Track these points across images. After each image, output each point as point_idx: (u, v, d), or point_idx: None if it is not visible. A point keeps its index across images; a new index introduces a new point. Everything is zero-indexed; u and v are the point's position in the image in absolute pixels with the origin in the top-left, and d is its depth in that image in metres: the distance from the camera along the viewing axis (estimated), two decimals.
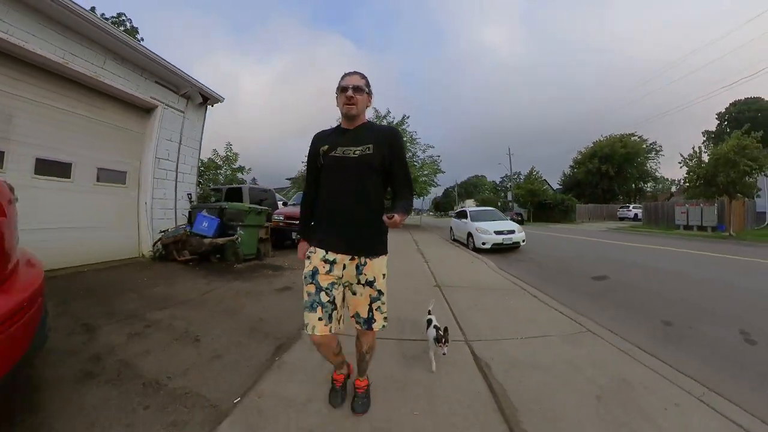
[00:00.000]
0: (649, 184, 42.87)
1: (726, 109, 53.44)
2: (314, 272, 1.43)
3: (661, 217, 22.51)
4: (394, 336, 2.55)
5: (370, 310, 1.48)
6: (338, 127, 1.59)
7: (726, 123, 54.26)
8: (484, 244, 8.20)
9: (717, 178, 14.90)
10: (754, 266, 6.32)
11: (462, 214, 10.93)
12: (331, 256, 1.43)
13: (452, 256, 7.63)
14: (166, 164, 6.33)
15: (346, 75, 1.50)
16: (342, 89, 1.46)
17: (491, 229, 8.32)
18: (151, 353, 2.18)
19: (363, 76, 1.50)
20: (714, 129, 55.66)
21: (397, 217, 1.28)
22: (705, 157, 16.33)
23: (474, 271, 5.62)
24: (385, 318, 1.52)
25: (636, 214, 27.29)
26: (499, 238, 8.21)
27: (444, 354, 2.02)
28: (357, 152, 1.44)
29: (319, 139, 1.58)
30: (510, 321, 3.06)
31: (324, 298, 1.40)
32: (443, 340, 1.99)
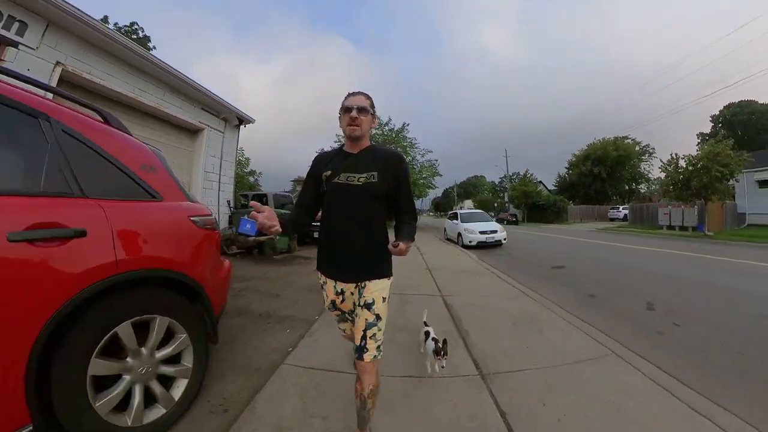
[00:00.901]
0: (642, 185, 44.15)
1: (720, 111, 54.11)
2: (333, 304, 1.51)
3: (646, 217, 23.94)
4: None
5: (364, 337, 1.39)
6: (341, 149, 1.54)
7: (720, 125, 55.43)
8: (470, 241, 9.81)
9: (691, 182, 16.28)
10: (698, 260, 7.60)
11: (454, 216, 12.58)
12: (339, 286, 1.46)
13: (443, 250, 9.15)
14: (211, 176, 7.83)
15: (350, 95, 1.47)
16: (346, 110, 1.43)
17: (477, 229, 9.92)
18: (253, 303, 3.66)
19: (368, 96, 1.48)
20: (708, 131, 56.85)
21: (402, 245, 1.26)
22: (682, 163, 17.69)
23: (458, 261, 7.13)
24: (379, 348, 1.41)
25: (626, 215, 28.52)
26: (483, 237, 9.79)
27: (443, 367, 2.01)
28: (361, 180, 1.41)
29: (321, 161, 1.54)
30: (473, 288, 4.56)
31: (348, 316, 1.54)
32: (442, 353, 1.97)
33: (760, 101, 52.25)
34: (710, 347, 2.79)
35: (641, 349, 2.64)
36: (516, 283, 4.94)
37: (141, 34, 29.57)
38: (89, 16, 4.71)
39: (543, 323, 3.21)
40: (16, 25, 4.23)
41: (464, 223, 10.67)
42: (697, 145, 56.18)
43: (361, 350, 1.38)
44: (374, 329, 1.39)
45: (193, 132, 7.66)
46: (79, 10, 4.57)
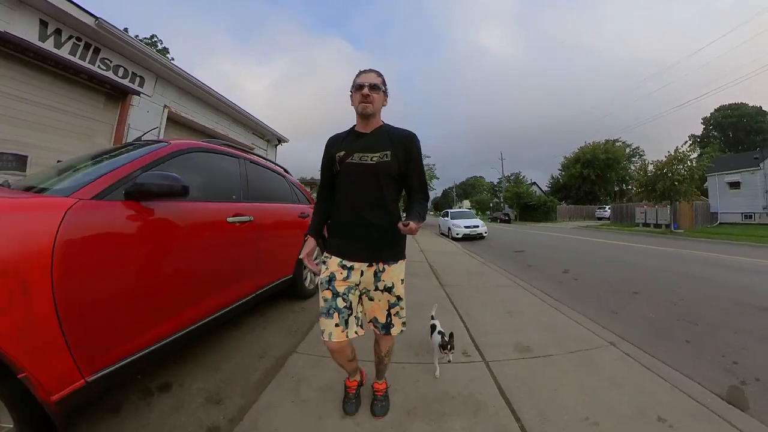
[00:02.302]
0: (632, 186, 46.15)
1: (711, 114, 55.81)
2: (331, 278, 1.42)
3: (626, 216, 26.07)
4: None
5: (389, 315, 1.46)
6: (353, 130, 1.52)
7: (711, 127, 57.21)
8: (457, 234, 12.02)
9: (656, 185, 18.37)
10: (635, 248, 9.73)
11: (445, 214, 15.00)
12: (348, 262, 1.43)
13: (436, 241, 11.23)
14: None
15: (361, 72, 1.45)
16: (357, 87, 1.41)
17: (462, 224, 12.16)
18: None
19: (379, 74, 1.45)
20: (700, 133, 58.53)
21: (412, 224, 1.25)
22: (651, 168, 19.74)
23: (445, 247, 9.23)
24: (404, 323, 1.50)
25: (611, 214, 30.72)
26: (467, 230, 12.03)
27: (449, 361, 2.02)
28: (375, 159, 1.40)
29: (334, 144, 1.52)
30: (450, 260, 6.64)
31: (341, 303, 1.39)
32: (449, 347, 1.95)
33: (751, 103, 53.64)
34: (586, 289, 4.89)
35: (540, 285, 4.70)
36: (481, 259, 7.03)
37: (160, 46, 31.82)
38: (184, 71, 6.78)
39: (485, 274, 5.33)
40: (137, 79, 6.27)
41: (453, 220, 12.97)
42: (689, 146, 57.89)
43: (387, 327, 1.47)
44: (397, 308, 1.46)
45: (246, 152, 9.86)
46: (178, 67, 6.65)
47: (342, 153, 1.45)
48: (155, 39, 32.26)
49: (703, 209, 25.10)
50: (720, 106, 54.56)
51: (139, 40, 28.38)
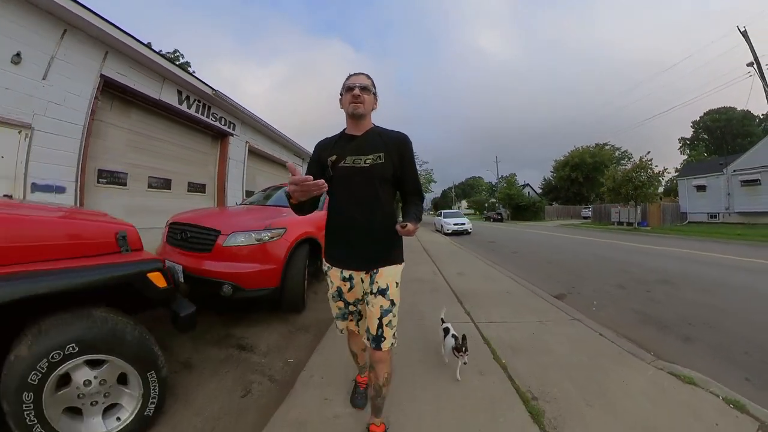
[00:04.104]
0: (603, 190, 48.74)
1: (700, 117, 57.69)
2: (339, 292, 1.48)
3: (603, 216, 29.13)
4: None
5: (380, 326, 1.39)
6: (343, 133, 1.51)
7: (701, 130, 59.41)
8: (447, 230, 15.33)
9: (621, 189, 21.39)
10: (586, 241, 12.89)
11: (440, 214, 18.54)
12: (347, 273, 1.44)
13: (431, 235, 14.42)
14: None
15: (351, 75, 1.46)
16: (348, 88, 1.42)
17: (452, 222, 15.48)
18: None
19: (369, 77, 1.47)
20: (690, 136, 60.82)
21: (410, 225, 1.27)
22: (619, 175, 22.69)
23: (437, 239, 12.42)
24: (394, 335, 1.43)
25: None
26: (455, 227, 15.37)
27: (465, 363, 1.99)
28: (368, 161, 1.39)
29: (324, 147, 1.51)
30: (440, 247, 9.81)
31: (352, 308, 1.51)
32: (463, 349, 1.94)
33: (739, 107, 55.12)
34: (519, 260, 8.00)
35: (490, 257, 7.81)
36: (461, 246, 10.15)
37: (182, 60, 34.80)
38: (258, 117, 9.86)
39: (459, 252, 8.52)
40: (231, 125, 9.35)
41: (444, 219, 16.39)
42: (679, 149, 60.04)
43: (378, 340, 1.39)
44: (389, 316, 1.40)
45: (282, 166, 12.97)
46: (255, 114, 9.73)
47: (334, 157, 1.44)
48: (177, 53, 35.27)
49: (673, 209, 28.08)
50: (709, 110, 56.29)
51: (163, 55, 31.43)
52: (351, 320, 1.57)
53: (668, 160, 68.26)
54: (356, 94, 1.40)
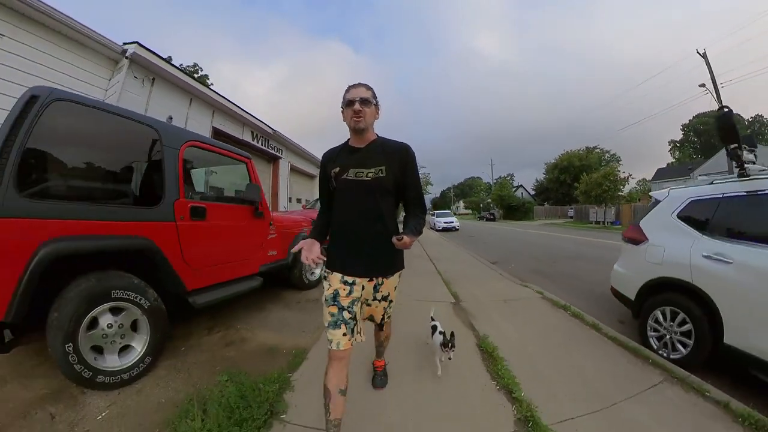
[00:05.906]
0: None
1: (690, 120, 59.97)
2: (335, 295, 1.46)
3: (584, 215, 32.40)
4: None
5: (383, 318, 1.70)
6: (347, 145, 1.55)
7: (690, 133, 61.54)
8: (438, 227, 19.07)
9: (591, 192, 24.86)
10: (555, 237, 16.33)
11: (433, 214, 22.35)
12: (349, 278, 1.46)
13: (425, 231, 17.89)
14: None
15: (351, 87, 1.46)
16: (348, 103, 1.42)
17: (442, 220, 19.25)
18: None
19: (369, 88, 1.47)
20: (679, 138, 63.06)
21: (406, 238, 1.28)
22: (592, 179, 26.10)
23: (430, 235, 15.96)
24: (390, 316, 1.76)
25: None
26: (445, 224, 19.09)
27: (450, 359, 2.14)
28: (370, 175, 1.43)
29: (329, 159, 1.56)
30: (430, 240, 13.39)
31: (347, 315, 1.44)
32: (450, 345, 2.08)
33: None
34: (486, 247, 11.60)
35: (464, 245, 11.38)
36: (444, 239, 13.76)
37: (200, 73, 37.83)
38: (297, 144, 13.44)
39: (443, 243, 12.14)
40: (280, 150, 12.90)
41: (436, 218, 20.34)
42: (669, 150, 62.05)
43: (381, 325, 1.79)
44: (389, 311, 1.69)
45: (311, 177, 16.54)
46: (295, 142, 13.31)
47: (337, 169, 1.48)
48: (197, 67, 38.34)
49: (645, 210, 31.21)
50: (699, 113, 57.73)
51: (182, 68, 34.48)
52: (344, 332, 1.42)
53: (661, 161, 70.21)
54: (357, 109, 1.40)
